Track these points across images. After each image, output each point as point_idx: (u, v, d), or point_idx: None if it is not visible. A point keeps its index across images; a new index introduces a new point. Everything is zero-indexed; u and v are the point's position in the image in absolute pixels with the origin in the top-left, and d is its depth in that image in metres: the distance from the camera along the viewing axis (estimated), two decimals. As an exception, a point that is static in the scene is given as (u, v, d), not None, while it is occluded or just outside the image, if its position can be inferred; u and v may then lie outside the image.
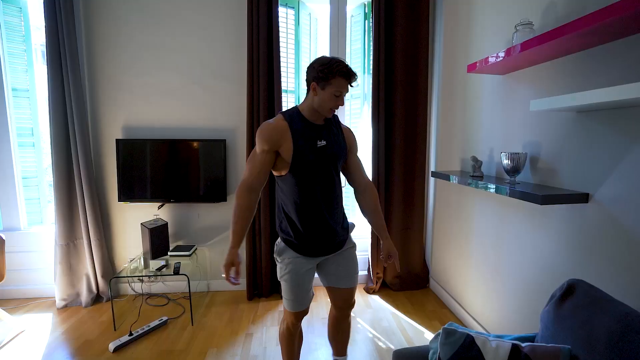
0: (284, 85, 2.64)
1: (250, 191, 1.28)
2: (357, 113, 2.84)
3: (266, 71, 2.41)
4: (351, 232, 1.48)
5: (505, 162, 1.57)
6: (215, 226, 2.66)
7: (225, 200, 2.54)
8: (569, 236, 1.41)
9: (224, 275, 1.27)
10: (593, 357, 0.86)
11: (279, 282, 2.60)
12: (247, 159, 1.33)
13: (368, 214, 1.48)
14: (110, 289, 2.22)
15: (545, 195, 1.28)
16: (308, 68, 1.29)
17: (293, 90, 2.76)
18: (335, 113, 1.38)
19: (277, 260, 1.41)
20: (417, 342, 2.04)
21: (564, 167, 1.43)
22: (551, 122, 1.49)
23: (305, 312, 1.44)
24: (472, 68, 1.78)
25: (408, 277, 2.72)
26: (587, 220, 1.32)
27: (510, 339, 1.06)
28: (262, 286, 2.59)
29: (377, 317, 2.31)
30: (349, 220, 1.50)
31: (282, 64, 2.51)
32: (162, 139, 2.46)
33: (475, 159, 1.90)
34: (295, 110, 1.32)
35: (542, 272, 1.56)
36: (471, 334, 0.94)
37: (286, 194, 1.34)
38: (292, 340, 1.51)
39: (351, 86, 1.28)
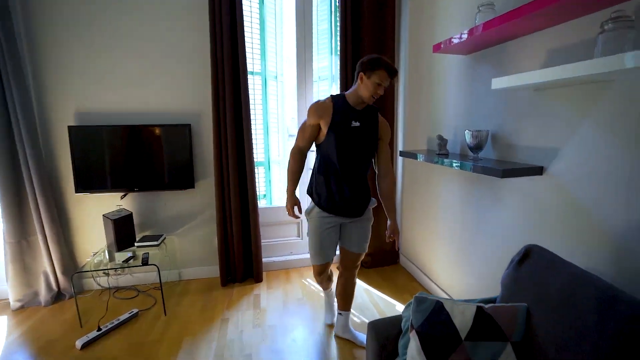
0: (249, 67, 2.56)
1: (301, 154, 1.71)
2: (325, 95, 2.82)
3: (230, 52, 2.31)
4: (371, 206, 1.76)
5: (469, 139, 1.64)
6: (184, 214, 2.58)
7: (192, 187, 2.45)
8: (525, 206, 1.52)
9: (288, 214, 1.73)
10: (547, 312, 0.95)
11: (252, 268, 2.60)
12: (299, 128, 1.70)
13: (383, 196, 1.76)
14: (72, 285, 2.10)
15: (505, 170, 1.36)
16: (359, 62, 1.56)
17: (260, 72, 2.68)
18: (378, 108, 1.70)
19: (307, 219, 1.76)
20: (390, 314, 2.14)
21: (521, 142, 1.52)
22: (511, 100, 1.57)
23: (324, 267, 1.78)
24: (437, 48, 1.82)
25: (379, 254, 2.82)
26: (542, 191, 1.43)
27: (475, 302, 1.14)
28: (235, 272, 2.57)
29: (351, 294, 2.38)
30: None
31: (247, 44, 2.42)
32: (121, 125, 2.30)
33: (441, 138, 1.97)
34: (341, 95, 1.64)
35: (503, 240, 1.68)
36: (440, 300, 1.00)
37: (319, 161, 1.68)
38: (320, 282, 1.91)
39: (392, 82, 1.58)
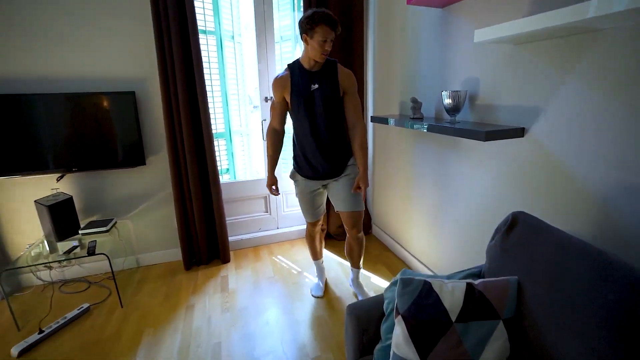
0: (201, 25, 2.23)
1: (275, 133, 1.72)
2: (288, 56, 2.57)
3: (176, 6, 1.97)
4: (352, 160, 1.71)
5: (447, 101, 1.52)
6: (136, 194, 2.30)
7: (143, 163, 2.17)
8: (506, 170, 1.45)
9: (269, 191, 1.80)
10: (539, 284, 0.88)
11: (218, 248, 2.42)
12: (270, 107, 1.72)
13: (353, 148, 1.67)
14: (1, 284, 1.80)
15: (488, 132, 1.25)
16: (298, 24, 1.51)
17: (213, 31, 2.35)
18: (336, 60, 1.62)
19: (294, 183, 1.80)
20: (366, 287, 2.08)
21: (502, 102, 1.42)
22: (490, 56, 1.44)
23: (315, 223, 1.87)
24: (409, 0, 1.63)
25: (352, 226, 2.74)
26: (523, 153, 1.35)
27: (460, 277, 1.06)
28: (199, 253, 2.38)
29: (324, 269, 2.29)
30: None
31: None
32: (47, 93, 1.93)
33: (415, 100, 1.84)
34: (296, 61, 1.60)
35: (482, 207, 1.62)
36: (428, 280, 0.90)
37: (293, 128, 1.67)
38: (312, 240, 1.97)
39: (335, 32, 1.48)
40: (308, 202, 1.78)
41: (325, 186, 1.77)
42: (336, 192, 1.73)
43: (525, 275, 0.92)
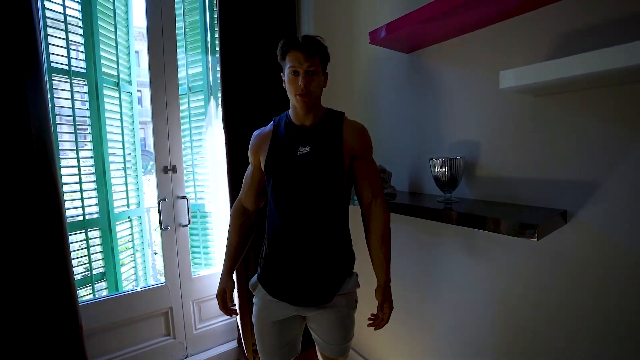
0: (57, 61, 1.49)
1: (242, 211, 1.17)
2: (198, 113, 1.94)
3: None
4: (352, 285, 1.09)
5: (439, 170, 1.08)
6: None
7: None
8: (535, 270, 0.99)
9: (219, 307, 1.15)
10: None
11: None
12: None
13: (370, 243, 1.09)
14: None
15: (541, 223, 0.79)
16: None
17: (83, 73, 1.61)
18: (342, 112, 1.09)
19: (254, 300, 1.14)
20: None
21: (518, 175, 1.01)
22: (498, 112, 1.06)
23: None
24: (374, 37, 1.22)
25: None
26: (565, 245, 0.92)
27: None
28: None
29: None
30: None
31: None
32: None
33: (383, 170, 1.36)
34: (285, 112, 1.10)
35: (488, 325, 1.11)
36: None
37: (268, 211, 1.10)
38: None
39: (312, 60, 0.95)
40: (272, 335, 1.09)
41: (303, 317, 1.12)
42: (320, 328, 1.10)
43: None
